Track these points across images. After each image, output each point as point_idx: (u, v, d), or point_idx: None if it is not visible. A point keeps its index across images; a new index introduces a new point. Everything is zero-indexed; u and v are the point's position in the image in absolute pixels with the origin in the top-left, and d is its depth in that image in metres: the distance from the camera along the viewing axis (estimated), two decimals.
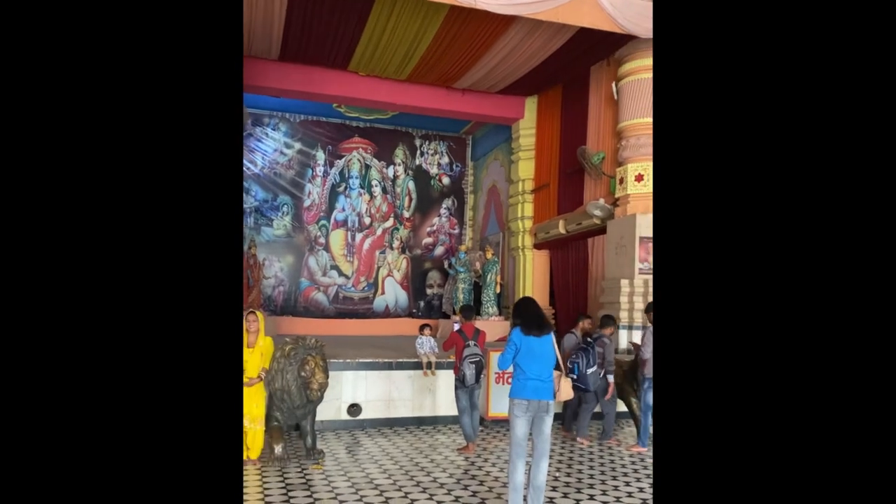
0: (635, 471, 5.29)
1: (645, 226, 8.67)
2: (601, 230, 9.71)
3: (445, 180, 15.16)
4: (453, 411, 6.89)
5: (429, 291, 14.70)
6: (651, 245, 8.66)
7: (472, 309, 6.69)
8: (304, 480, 4.75)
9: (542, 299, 12.16)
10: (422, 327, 7.14)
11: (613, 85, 9.55)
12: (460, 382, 5.76)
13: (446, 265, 13.71)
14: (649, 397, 5.94)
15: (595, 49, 9.64)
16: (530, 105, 12.39)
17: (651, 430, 5.95)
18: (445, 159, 15.16)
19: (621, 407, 6.75)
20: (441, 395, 7.10)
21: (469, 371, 5.67)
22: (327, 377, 5.41)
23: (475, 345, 5.80)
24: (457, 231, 15.15)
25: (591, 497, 4.48)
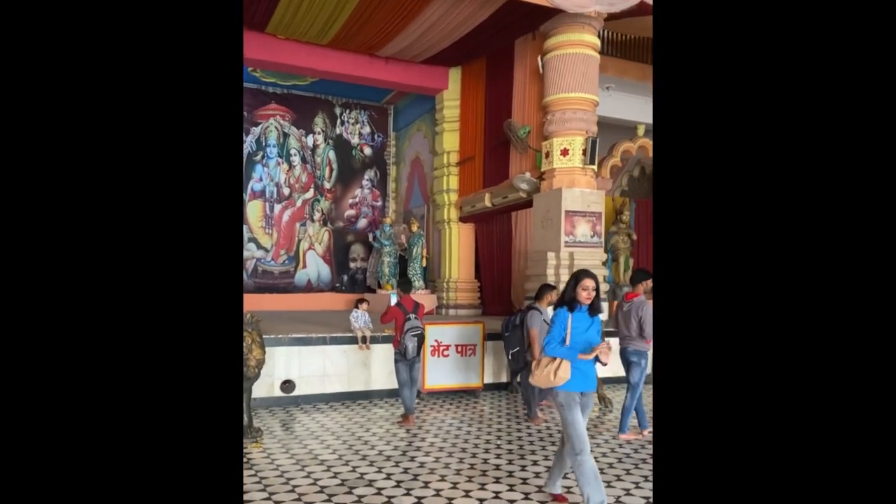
0: None
1: (570, 199, 8.94)
2: (527, 204, 9.91)
3: (367, 151, 14.85)
4: (389, 385, 6.90)
5: (352, 265, 14.47)
6: (576, 218, 8.96)
7: (410, 282, 6.67)
8: (244, 459, 4.59)
9: (468, 273, 12.33)
10: (358, 301, 7.05)
11: (539, 59, 9.67)
12: (401, 356, 5.74)
13: (370, 238, 13.52)
14: (633, 375, 5.34)
15: (520, 22, 9.69)
16: (454, 76, 12.32)
17: (633, 412, 5.46)
18: (367, 129, 14.84)
19: None
20: (376, 370, 7.06)
21: (411, 344, 5.66)
22: (264, 353, 5.23)
23: (415, 318, 5.79)
24: (380, 203, 14.94)
25: (535, 462, 4.64)
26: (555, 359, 3.43)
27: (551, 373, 3.39)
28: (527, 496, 3.87)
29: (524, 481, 4.16)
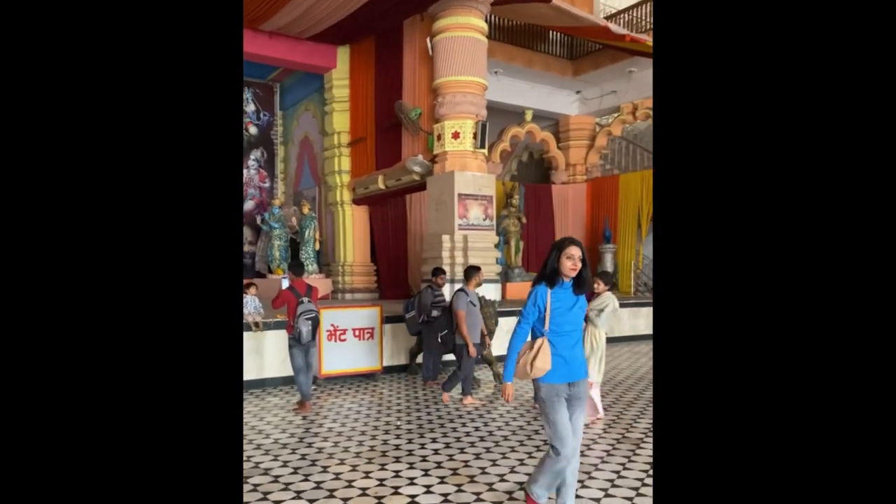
0: (460, 416, 5.69)
1: (463, 183, 9.09)
2: (421, 186, 9.96)
3: (253, 130, 14.19)
4: (283, 373, 6.72)
5: None
6: (469, 202, 9.13)
7: (302, 265, 6.49)
8: None
9: (364, 256, 12.21)
10: (246, 286, 6.74)
11: (428, 40, 9.68)
12: (295, 341, 5.60)
13: (259, 221, 12.97)
14: None
15: (408, 2, 9.65)
16: (342, 55, 12.05)
17: None
18: (252, 107, 14.16)
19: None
20: (269, 357, 6.83)
21: (305, 328, 5.53)
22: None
23: (309, 301, 5.65)
24: (268, 184, 14.36)
25: (434, 440, 4.74)
26: (532, 345, 2.89)
27: (527, 363, 2.86)
28: (426, 472, 3.94)
29: (423, 459, 4.23)
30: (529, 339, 2.97)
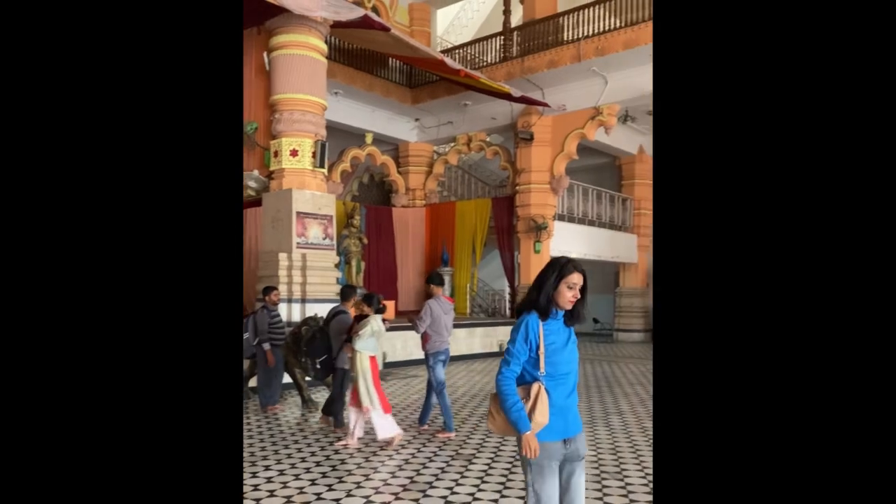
0: (296, 441, 5.48)
1: (301, 201, 8.87)
2: (256, 202, 9.55)
3: None
4: None
5: None
6: (307, 220, 8.92)
7: None
8: None
9: None
10: None
11: (265, 55, 9.41)
12: None
13: None
14: (439, 372, 5.50)
15: (245, 15, 9.31)
16: None
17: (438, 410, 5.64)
18: None
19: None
20: None
21: None
22: None
23: None
24: None
25: (267, 468, 4.48)
26: (528, 392, 2.28)
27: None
28: (257, 503, 3.70)
29: (255, 488, 3.97)
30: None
